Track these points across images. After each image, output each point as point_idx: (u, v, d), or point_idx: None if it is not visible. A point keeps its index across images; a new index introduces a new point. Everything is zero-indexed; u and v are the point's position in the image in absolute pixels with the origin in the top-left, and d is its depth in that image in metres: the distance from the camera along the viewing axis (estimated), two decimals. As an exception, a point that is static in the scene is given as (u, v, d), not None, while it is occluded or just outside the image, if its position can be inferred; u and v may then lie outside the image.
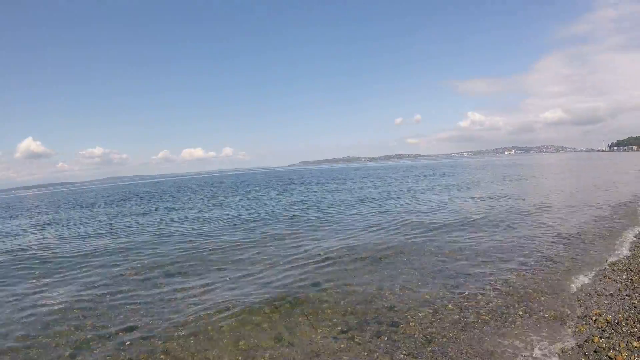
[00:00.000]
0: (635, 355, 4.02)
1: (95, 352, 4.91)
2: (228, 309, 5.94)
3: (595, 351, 4.19)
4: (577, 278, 6.49)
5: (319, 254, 8.86)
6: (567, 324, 4.86)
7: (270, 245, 10.26)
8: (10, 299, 7.33)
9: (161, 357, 4.69)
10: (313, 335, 4.97)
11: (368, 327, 5.06)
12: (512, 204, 15.65)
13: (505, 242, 9.22)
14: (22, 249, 12.73)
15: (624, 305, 5.30)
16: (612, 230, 10.01)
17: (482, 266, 7.33)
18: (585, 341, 4.42)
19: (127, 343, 5.06)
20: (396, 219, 13.16)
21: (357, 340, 4.77)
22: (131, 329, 5.49)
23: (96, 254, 10.85)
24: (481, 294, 5.94)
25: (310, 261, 8.32)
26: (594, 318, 4.96)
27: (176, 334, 5.22)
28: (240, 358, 4.56)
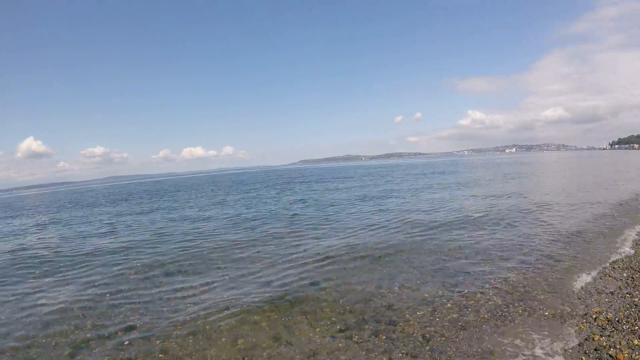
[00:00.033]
0: (636, 353, 3.99)
1: (94, 351, 4.91)
2: (227, 308, 5.93)
3: (595, 349, 4.16)
4: (577, 276, 6.46)
5: (319, 253, 8.84)
6: (568, 323, 4.84)
7: (270, 244, 10.24)
8: (11, 298, 7.35)
9: (160, 356, 4.68)
10: (311, 334, 4.96)
11: (366, 326, 5.04)
12: (512, 202, 15.61)
13: (506, 240, 9.19)
14: (23, 249, 12.75)
15: (625, 303, 5.28)
16: (613, 229, 9.97)
17: (482, 264, 7.30)
18: (586, 339, 4.40)
19: (126, 343, 5.05)
20: (396, 218, 13.13)
21: (355, 339, 4.74)
22: (130, 328, 5.49)
23: (96, 253, 10.86)
24: (481, 292, 5.91)
25: (309, 260, 8.30)
26: (594, 316, 4.94)
27: (175, 333, 5.22)
28: (238, 357, 4.54)
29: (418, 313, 5.30)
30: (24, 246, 13.31)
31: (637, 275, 6.29)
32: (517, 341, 4.46)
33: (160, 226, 15.30)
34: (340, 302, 5.90)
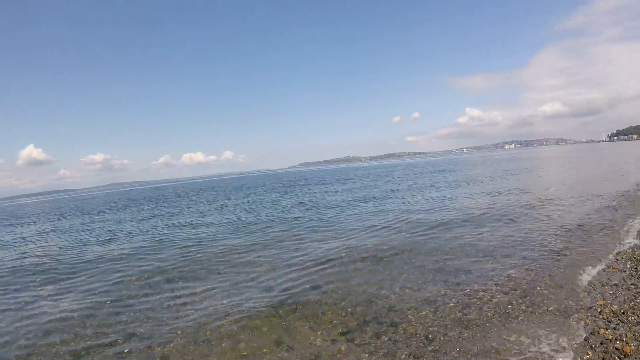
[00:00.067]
0: (643, 346, 3.92)
1: (95, 359, 4.92)
2: (228, 313, 5.87)
3: (601, 343, 4.09)
4: (581, 269, 6.39)
5: (320, 256, 8.77)
6: (573, 317, 4.76)
7: (271, 248, 10.18)
8: (12, 306, 7.40)
9: (160, 363, 4.63)
10: (312, 338, 4.89)
11: (368, 328, 4.97)
12: (513, 198, 15.55)
13: (507, 236, 9.12)
14: (24, 257, 12.80)
15: (630, 294, 5.21)
16: (615, 220, 9.92)
17: (484, 262, 7.23)
18: (592, 333, 4.33)
19: (126, 350, 5.02)
20: (397, 218, 13.06)
21: (357, 342, 4.67)
22: (131, 335, 5.47)
23: (97, 260, 10.87)
24: (483, 290, 5.83)
25: (310, 263, 8.24)
26: (599, 309, 4.87)
27: (175, 339, 5.18)
28: (239, 363, 4.48)
29: (420, 313, 5.23)
30: (25, 254, 13.38)
31: (641, 266, 6.21)
32: (522, 338, 4.38)
33: (160, 232, 15.26)
34: (342, 304, 5.82)
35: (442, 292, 5.89)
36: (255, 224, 14.92)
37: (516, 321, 4.79)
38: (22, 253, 13.73)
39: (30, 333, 5.90)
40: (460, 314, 5.12)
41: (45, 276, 9.62)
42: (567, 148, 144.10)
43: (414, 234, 10.23)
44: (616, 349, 3.95)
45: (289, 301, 6.13)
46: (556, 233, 9.02)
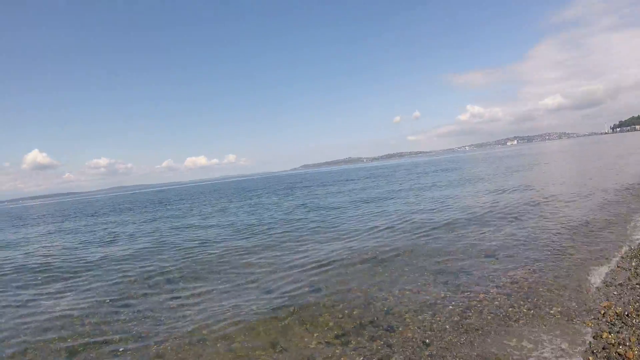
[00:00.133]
0: (647, 350, 3.78)
1: (91, 355, 4.99)
2: (225, 314, 5.85)
3: (603, 348, 3.95)
4: (585, 269, 6.23)
5: (320, 258, 8.69)
6: (575, 320, 4.63)
7: (272, 251, 10.12)
8: (12, 304, 7.56)
9: (154, 361, 4.65)
10: (307, 340, 4.83)
11: (364, 332, 4.88)
12: (517, 195, 15.35)
13: (510, 236, 8.96)
14: (28, 257, 13.02)
15: (634, 294, 5.06)
16: (621, 216, 9.72)
17: (486, 263, 7.10)
18: (594, 337, 4.19)
19: (122, 349, 5.07)
20: (399, 219, 12.93)
21: (352, 345, 4.58)
22: (127, 333, 5.54)
23: (99, 261, 10.98)
24: (484, 293, 5.70)
25: (310, 265, 8.16)
26: (602, 311, 4.72)
27: (171, 338, 5.21)
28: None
29: (418, 317, 5.12)
30: (29, 254, 13.64)
31: (646, 266, 6.05)
32: (524, 342, 4.26)
33: (163, 234, 15.33)
34: (339, 307, 5.74)
35: (442, 295, 5.77)
36: (257, 226, 14.89)
37: (517, 325, 4.66)
38: (26, 253, 14.01)
39: (29, 329, 6.04)
40: (460, 317, 4.99)
41: (47, 275, 9.84)
42: (569, 142, 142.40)
43: (416, 235, 10.11)
44: (619, 354, 3.81)
45: (287, 303, 6.07)
46: (560, 231, 8.85)
